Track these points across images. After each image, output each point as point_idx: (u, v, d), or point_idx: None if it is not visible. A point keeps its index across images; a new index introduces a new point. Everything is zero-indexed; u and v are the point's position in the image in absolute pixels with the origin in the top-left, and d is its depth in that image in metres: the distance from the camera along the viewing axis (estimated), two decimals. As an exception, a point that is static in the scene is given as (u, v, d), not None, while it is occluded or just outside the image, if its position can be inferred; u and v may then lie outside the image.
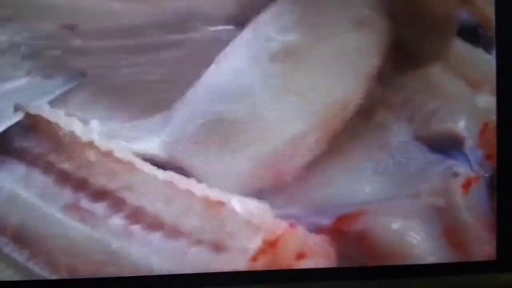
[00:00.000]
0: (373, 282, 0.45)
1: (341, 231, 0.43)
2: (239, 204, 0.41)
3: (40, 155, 0.42)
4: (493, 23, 0.45)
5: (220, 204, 0.41)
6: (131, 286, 0.41)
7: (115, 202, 0.41)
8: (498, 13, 0.45)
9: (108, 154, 0.42)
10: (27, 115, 0.42)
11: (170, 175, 0.42)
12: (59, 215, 0.41)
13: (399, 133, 0.45)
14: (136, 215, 0.41)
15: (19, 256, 0.40)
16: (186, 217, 0.41)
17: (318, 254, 0.43)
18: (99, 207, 0.41)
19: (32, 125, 0.42)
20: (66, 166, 0.42)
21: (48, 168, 0.42)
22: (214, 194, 0.41)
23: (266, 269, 0.41)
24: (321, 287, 0.44)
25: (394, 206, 0.44)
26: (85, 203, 0.41)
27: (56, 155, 0.42)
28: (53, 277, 0.40)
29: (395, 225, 0.43)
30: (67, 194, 0.41)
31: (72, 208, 0.41)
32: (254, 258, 0.40)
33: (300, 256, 0.43)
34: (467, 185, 0.44)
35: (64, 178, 0.42)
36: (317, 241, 0.43)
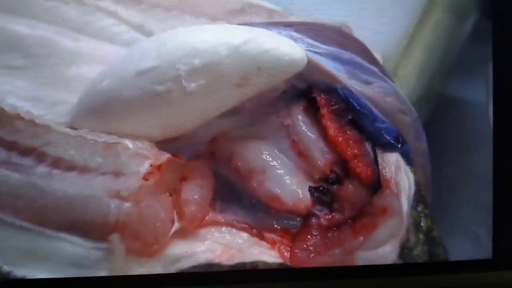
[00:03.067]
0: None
1: (213, 154, 0.58)
2: (130, 143, 0.56)
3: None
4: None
5: (116, 144, 0.56)
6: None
7: (39, 155, 0.56)
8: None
9: (31, 122, 0.57)
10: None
11: (78, 132, 0.57)
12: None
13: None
14: (56, 163, 0.56)
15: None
16: (93, 158, 0.56)
17: (197, 176, 0.58)
18: (27, 161, 0.55)
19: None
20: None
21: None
22: (112, 138, 0.56)
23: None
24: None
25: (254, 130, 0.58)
26: (16, 158, 0.55)
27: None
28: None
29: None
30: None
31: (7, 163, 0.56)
32: (145, 178, 0.54)
33: (183, 178, 0.58)
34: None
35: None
36: (195, 165, 0.58)
